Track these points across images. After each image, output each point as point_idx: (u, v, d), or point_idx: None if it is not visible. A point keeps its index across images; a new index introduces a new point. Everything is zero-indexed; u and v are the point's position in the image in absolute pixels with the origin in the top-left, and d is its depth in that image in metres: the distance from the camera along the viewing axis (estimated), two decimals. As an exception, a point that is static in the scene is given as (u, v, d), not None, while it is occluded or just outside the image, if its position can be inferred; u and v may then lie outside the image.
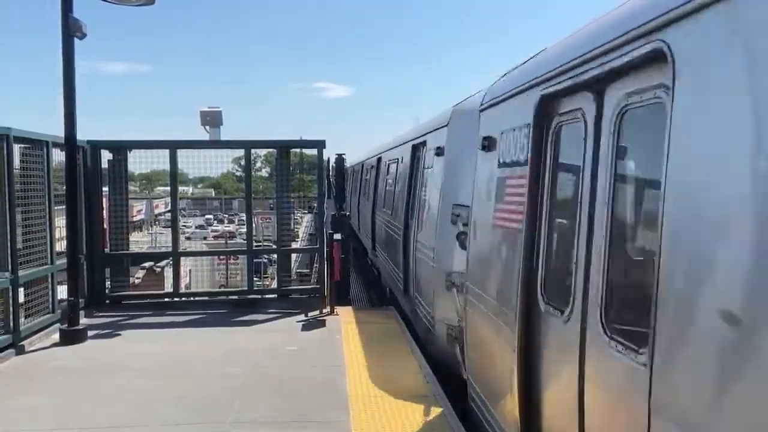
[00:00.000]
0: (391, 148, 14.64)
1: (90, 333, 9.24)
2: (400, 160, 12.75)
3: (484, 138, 5.48)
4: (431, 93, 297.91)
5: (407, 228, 10.88)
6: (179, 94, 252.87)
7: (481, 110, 5.99)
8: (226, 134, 12.54)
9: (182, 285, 12.12)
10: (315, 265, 13.80)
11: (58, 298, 9.64)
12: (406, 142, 12.08)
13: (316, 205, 12.54)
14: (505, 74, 5.69)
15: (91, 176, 10.91)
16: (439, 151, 8.84)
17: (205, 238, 44.80)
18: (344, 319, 10.44)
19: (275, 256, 13.15)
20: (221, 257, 19.38)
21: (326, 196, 13.79)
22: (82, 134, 9.44)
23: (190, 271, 15.33)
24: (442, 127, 9.05)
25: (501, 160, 5.03)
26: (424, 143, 10.29)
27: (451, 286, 7.11)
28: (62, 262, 9.46)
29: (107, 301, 11.13)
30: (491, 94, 5.70)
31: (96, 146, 11.03)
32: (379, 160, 16.61)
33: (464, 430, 5.96)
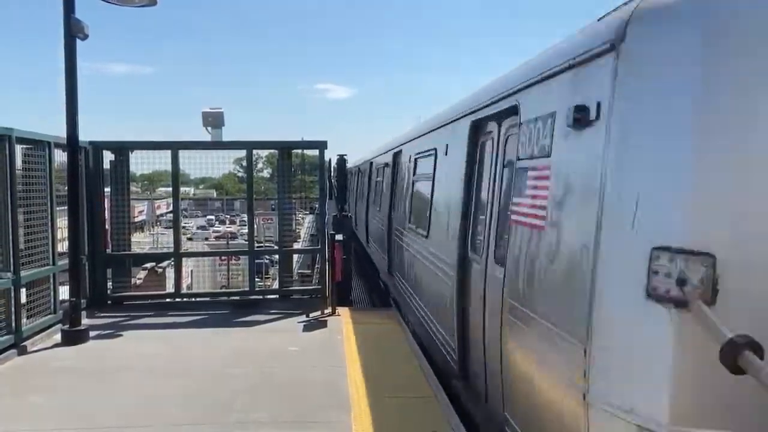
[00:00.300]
0: (421, 135, 10.43)
1: (92, 333, 9.25)
2: (441, 151, 8.62)
3: None
4: (433, 95, 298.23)
5: (466, 266, 6.85)
6: (181, 95, 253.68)
7: None
8: (227, 135, 12.57)
9: (184, 285, 12.11)
10: (317, 265, 13.79)
11: (60, 298, 9.65)
12: (457, 120, 7.77)
13: (317, 205, 12.54)
14: None
15: (93, 177, 10.92)
16: (581, 118, 3.96)
17: (206, 239, 44.85)
18: (345, 319, 10.44)
19: (276, 256, 13.16)
20: (223, 258, 19.38)
21: (328, 196, 13.76)
22: (84, 135, 9.44)
23: (191, 271, 15.32)
24: (599, 54, 3.94)
25: None
26: (509, 113, 5.76)
27: None
28: (64, 262, 9.47)
29: (109, 302, 11.14)
30: None
31: (98, 147, 11.04)
32: (398, 155, 12.96)
33: (464, 430, 5.96)
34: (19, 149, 8.71)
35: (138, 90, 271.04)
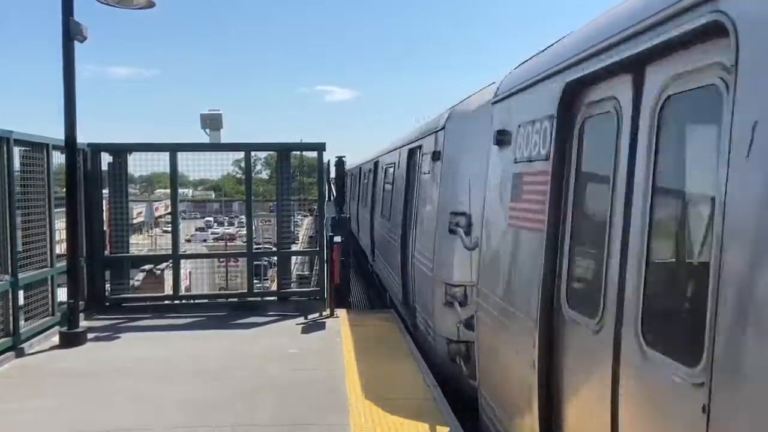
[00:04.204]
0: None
1: (90, 336, 9.24)
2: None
3: None
4: (435, 97, 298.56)
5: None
6: (184, 98, 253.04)
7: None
8: (228, 137, 12.60)
9: (182, 287, 12.09)
10: (315, 267, 13.77)
11: (58, 300, 9.63)
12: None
13: (316, 207, 12.53)
14: None
15: (92, 179, 10.91)
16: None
17: (205, 241, 44.70)
18: (344, 321, 10.43)
19: (275, 258, 13.14)
20: (221, 260, 19.31)
21: (326, 198, 13.73)
22: (86, 137, 9.43)
23: (189, 273, 15.28)
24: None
25: None
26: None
27: None
28: (62, 264, 9.46)
29: (107, 304, 11.11)
30: None
31: (96, 149, 11.02)
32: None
33: (462, 430, 5.96)
34: (17, 151, 8.71)
35: (141, 93, 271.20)
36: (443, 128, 8.20)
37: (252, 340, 9.31)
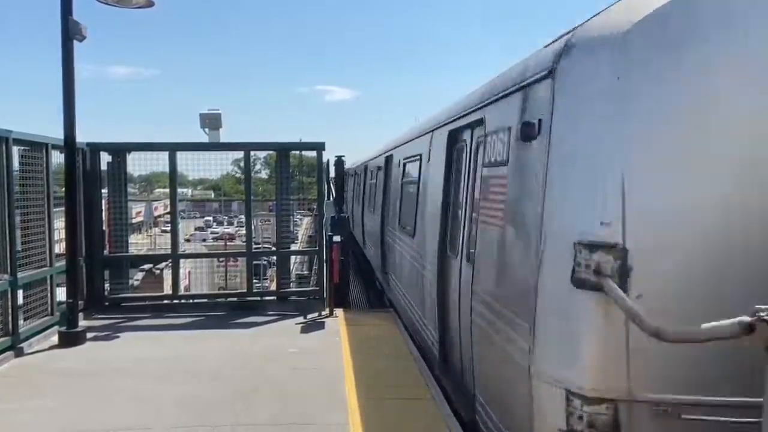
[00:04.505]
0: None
1: (89, 335, 9.24)
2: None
3: None
4: (435, 96, 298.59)
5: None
6: (184, 98, 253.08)
7: None
8: (227, 137, 12.59)
9: (182, 287, 12.08)
10: (314, 267, 13.78)
11: (57, 300, 9.63)
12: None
13: (315, 206, 12.54)
14: None
15: (91, 178, 10.90)
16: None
17: (204, 240, 44.68)
18: (343, 321, 10.43)
19: (275, 258, 13.14)
20: (220, 259, 19.31)
21: (326, 198, 13.74)
22: (86, 137, 9.42)
23: (189, 272, 15.29)
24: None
25: None
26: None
27: None
28: (61, 264, 9.46)
29: (106, 304, 11.11)
30: None
31: (95, 148, 11.01)
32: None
33: (461, 430, 5.97)
34: (16, 150, 8.70)
35: (141, 92, 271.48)
36: (551, 73, 4.10)
37: (251, 340, 9.31)
